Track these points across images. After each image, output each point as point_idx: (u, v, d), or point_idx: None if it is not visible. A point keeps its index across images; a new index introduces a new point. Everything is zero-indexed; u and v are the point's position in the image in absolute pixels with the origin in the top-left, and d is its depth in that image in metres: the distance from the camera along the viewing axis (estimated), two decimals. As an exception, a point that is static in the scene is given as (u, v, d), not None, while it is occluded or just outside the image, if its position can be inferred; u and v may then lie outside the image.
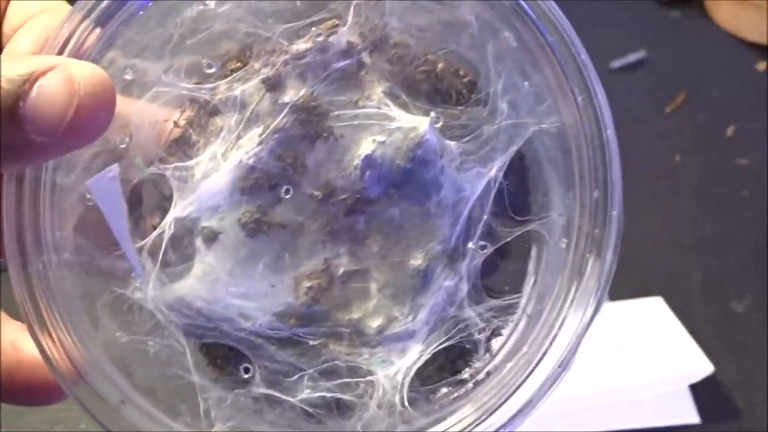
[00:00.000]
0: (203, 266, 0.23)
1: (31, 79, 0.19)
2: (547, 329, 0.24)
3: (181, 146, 0.24)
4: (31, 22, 0.23)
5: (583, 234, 0.23)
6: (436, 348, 0.24)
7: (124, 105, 0.22)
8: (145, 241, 0.23)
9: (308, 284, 0.24)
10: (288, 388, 0.24)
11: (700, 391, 0.55)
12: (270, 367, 0.24)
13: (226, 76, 0.24)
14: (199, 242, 0.23)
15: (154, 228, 0.23)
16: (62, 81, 0.19)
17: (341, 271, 0.24)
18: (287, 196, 0.24)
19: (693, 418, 0.54)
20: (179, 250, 0.24)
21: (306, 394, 0.24)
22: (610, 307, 0.57)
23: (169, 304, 0.23)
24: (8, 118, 0.19)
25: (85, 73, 0.19)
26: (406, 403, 0.24)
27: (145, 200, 0.23)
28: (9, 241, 0.22)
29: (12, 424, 0.55)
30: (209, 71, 0.23)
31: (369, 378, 0.24)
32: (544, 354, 0.23)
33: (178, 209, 0.23)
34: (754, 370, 0.57)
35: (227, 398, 0.24)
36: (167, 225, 0.23)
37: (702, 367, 0.53)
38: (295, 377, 0.24)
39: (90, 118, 0.19)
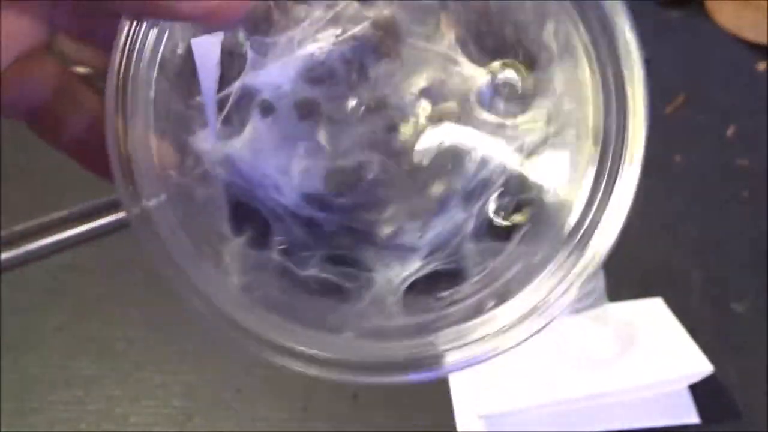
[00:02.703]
0: (253, 133, 0.26)
1: None
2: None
3: (261, 22, 0.26)
4: None
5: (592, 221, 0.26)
6: (433, 268, 0.27)
7: None
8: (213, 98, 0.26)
9: (339, 178, 0.27)
10: (298, 263, 0.27)
11: (700, 391, 0.55)
12: (287, 239, 0.27)
13: None
14: (255, 111, 0.26)
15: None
16: None
17: (370, 176, 0.27)
18: (343, 97, 0.26)
19: (693, 418, 0.54)
20: (238, 115, 0.26)
21: (312, 272, 0.27)
22: (609, 308, 0.57)
23: (218, 159, 0.26)
24: None
25: None
26: (396, 306, 0.27)
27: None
28: (111, 68, 0.24)
29: (12, 424, 0.55)
30: None
31: (370, 274, 0.27)
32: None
33: (247, 77, 0.26)
34: (754, 370, 0.57)
35: (247, 256, 0.27)
36: (235, 88, 0.26)
37: (702, 367, 0.53)
38: (307, 254, 0.27)
39: (233, 8, 0.22)
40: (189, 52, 0.25)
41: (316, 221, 0.27)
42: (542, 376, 0.54)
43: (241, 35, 0.26)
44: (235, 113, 0.26)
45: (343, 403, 0.56)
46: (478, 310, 0.26)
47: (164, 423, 0.56)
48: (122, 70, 0.24)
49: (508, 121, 0.27)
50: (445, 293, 0.28)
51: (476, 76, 0.26)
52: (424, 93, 0.26)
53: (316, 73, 0.26)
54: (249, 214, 0.27)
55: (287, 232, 0.27)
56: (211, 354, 0.60)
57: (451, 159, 0.27)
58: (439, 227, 0.27)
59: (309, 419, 0.56)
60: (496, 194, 0.27)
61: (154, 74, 0.25)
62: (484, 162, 0.27)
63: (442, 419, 0.55)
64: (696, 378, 0.54)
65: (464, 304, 0.27)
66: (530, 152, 0.27)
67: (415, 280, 0.27)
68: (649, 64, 0.25)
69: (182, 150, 0.26)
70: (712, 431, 0.54)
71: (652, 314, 0.58)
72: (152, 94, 0.25)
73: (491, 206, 0.27)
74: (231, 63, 0.26)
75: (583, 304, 0.55)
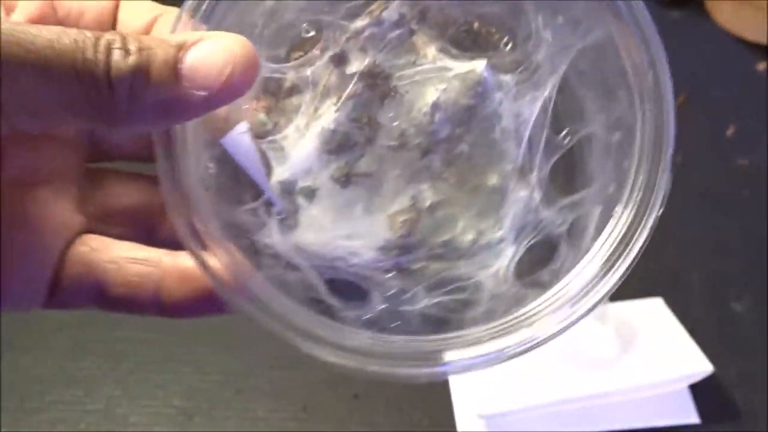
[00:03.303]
0: (308, 219, 0.27)
1: (186, 45, 0.22)
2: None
3: (262, 128, 0.28)
4: (156, 27, 0.27)
5: (645, 119, 0.27)
6: (526, 246, 0.28)
7: None
8: (257, 202, 0.27)
9: (401, 219, 0.28)
10: (406, 303, 0.28)
11: (700, 391, 0.55)
12: (384, 293, 0.28)
13: (295, 61, 0.28)
14: (300, 199, 0.27)
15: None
16: (220, 45, 0.23)
17: (428, 203, 0.28)
18: (368, 150, 0.27)
19: (693, 418, 0.54)
20: (288, 208, 0.28)
21: (424, 303, 0.28)
22: (609, 308, 0.57)
23: (293, 249, 0.27)
24: (170, 75, 0.22)
25: (238, 40, 0.23)
26: (518, 286, 0.28)
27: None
28: (169, 194, 0.25)
29: (12, 424, 0.55)
30: (285, 54, 0.28)
31: (474, 280, 0.28)
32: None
33: (278, 175, 0.27)
34: (754, 370, 0.58)
35: (359, 318, 0.27)
36: (274, 188, 0.27)
37: (702, 367, 0.54)
38: (409, 295, 0.28)
39: (242, 77, 0.23)
40: (220, 165, 0.27)
41: (401, 265, 0.28)
42: (542, 376, 0.54)
43: (263, 117, 0.27)
44: (284, 209, 0.27)
45: (343, 403, 0.56)
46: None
47: (164, 423, 0.56)
48: (180, 205, 0.25)
49: (522, 87, 0.28)
50: (545, 273, 0.28)
51: (473, 68, 0.27)
52: (435, 107, 0.27)
53: (335, 143, 0.27)
54: (341, 285, 0.28)
55: (381, 285, 0.28)
56: (211, 354, 0.60)
57: (490, 149, 0.28)
58: (511, 212, 0.28)
59: (309, 419, 0.56)
60: (544, 155, 0.28)
61: (209, 200, 0.26)
62: (520, 133, 0.28)
63: (442, 419, 0.55)
64: (696, 378, 0.54)
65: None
66: (555, 97, 0.28)
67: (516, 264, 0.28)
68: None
69: (252, 252, 0.27)
70: (712, 431, 0.54)
71: (652, 314, 0.58)
72: (213, 215, 0.26)
73: (545, 168, 0.28)
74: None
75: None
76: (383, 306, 0.27)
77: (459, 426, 0.54)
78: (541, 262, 0.28)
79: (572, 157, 0.29)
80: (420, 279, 0.28)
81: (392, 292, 0.28)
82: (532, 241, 0.28)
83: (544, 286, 0.27)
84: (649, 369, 0.54)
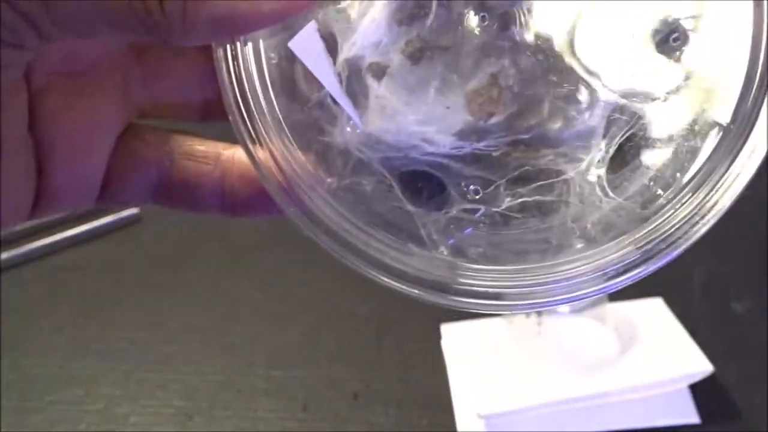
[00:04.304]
0: (379, 101, 0.25)
1: None
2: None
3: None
4: None
5: None
6: (619, 141, 0.25)
7: None
8: (324, 91, 0.25)
9: (480, 99, 0.25)
10: (488, 201, 0.25)
11: (699, 391, 0.55)
12: (464, 185, 0.25)
13: None
14: (369, 79, 0.25)
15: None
16: None
17: (510, 82, 0.25)
18: (443, 21, 0.24)
19: (693, 418, 0.54)
20: (357, 91, 0.25)
21: (507, 202, 0.25)
22: (609, 308, 0.57)
23: (363, 142, 0.25)
24: None
25: None
26: (610, 194, 0.25)
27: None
28: (230, 104, 0.23)
29: (12, 424, 0.55)
30: None
31: (562, 177, 0.25)
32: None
33: (344, 51, 0.24)
34: (754, 370, 0.57)
35: (441, 220, 0.25)
36: (341, 68, 0.24)
37: (702, 367, 0.54)
38: (491, 189, 0.25)
39: None
40: (284, 58, 0.24)
41: (481, 152, 0.25)
42: (542, 376, 0.54)
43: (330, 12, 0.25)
44: (353, 91, 0.25)
45: (343, 403, 0.56)
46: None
47: (164, 423, 0.56)
48: (241, 101, 0.23)
49: None
50: (647, 163, 0.25)
51: None
52: None
53: (406, 11, 0.24)
54: (417, 178, 0.25)
55: (458, 176, 0.25)
56: (211, 354, 0.60)
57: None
58: (603, 98, 0.25)
59: (309, 419, 0.56)
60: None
61: (271, 94, 0.24)
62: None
63: (442, 419, 0.55)
64: (696, 378, 0.54)
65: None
66: None
67: (612, 160, 0.25)
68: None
69: (324, 154, 0.25)
70: (712, 431, 0.54)
71: (652, 314, 0.58)
72: (278, 113, 0.24)
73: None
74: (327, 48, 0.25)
75: (583, 304, 0.55)
76: (463, 207, 0.25)
77: (459, 426, 0.54)
78: (632, 167, 0.25)
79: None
80: (502, 170, 0.25)
81: (472, 188, 0.25)
82: (624, 136, 0.25)
83: (638, 190, 0.25)
84: (649, 369, 0.54)
